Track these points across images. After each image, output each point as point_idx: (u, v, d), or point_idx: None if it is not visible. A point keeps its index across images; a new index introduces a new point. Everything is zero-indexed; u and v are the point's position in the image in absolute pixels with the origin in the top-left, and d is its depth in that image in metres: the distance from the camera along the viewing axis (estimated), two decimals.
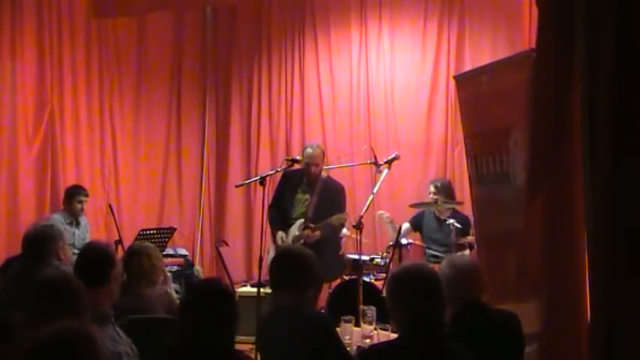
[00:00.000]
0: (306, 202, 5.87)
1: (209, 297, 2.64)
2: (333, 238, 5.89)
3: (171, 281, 4.82)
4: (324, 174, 6.04)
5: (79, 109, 7.44)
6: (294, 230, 5.83)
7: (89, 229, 6.63)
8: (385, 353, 2.76)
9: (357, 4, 7.76)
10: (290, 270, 3.28)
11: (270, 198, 5.99)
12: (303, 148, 6.11)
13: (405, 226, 6.52)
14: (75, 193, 6.46)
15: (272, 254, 5.81)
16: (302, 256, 3.34)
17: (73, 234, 6.25)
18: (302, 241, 5.72)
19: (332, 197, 5.86)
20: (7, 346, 2.63)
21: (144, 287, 3.99)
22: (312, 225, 5.74)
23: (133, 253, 4.08)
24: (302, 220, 5.83)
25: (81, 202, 6.44)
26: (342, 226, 5.85)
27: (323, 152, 5.99)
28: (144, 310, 3.80)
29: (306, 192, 5.90)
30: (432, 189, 6.48)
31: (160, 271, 4.14)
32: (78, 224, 6.43)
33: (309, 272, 3.32)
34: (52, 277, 2.84)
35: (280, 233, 5.84)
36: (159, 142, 8.18)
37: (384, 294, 5.43)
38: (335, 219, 5.66)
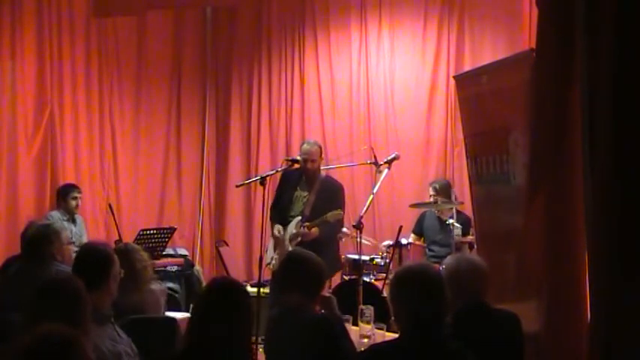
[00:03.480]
0: (305, 200, 5.85)
1: (220, 295, 2.62)
2: (330, 237, 5.86)
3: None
4: (323, 173, 6.02)
5: (79, 109, 7.44)
6: (292, 228, 5.80)
7: (86, 227, 6.67)
8: (386, 353, 2.76)
9: (357, 4, 7.75)
10: (302, 273, 3.31)
11: (272, 198, 5.99)
12: (301, 145, 6.10)
13: (411, 238, 6.47)
14: (68, 190, 6.51)
15: (270, 249, 5.83)
16: (313, 261, 3.37)
17: (71, 231, 6.24)
18: (299, 239, 5.70)
19: (330, 196, 5.81)
20: (7, 346, 2.63)
21: (140, 286, 3.98)
22: (307, 223, 5.72)
23: (121, 254, 4.04)
24: (299, 217, 5.81)
25: (75, 198, 6.48)
26: (338, 222, 5.77)
27: (320, 148, 5.93)
28: (140, 310, 3.79)
29: (304, 189, 5.88)
30: (432, 191, 6.45)
31: (149, 270, 4.13)
32: (74, 221, 6.47)
33: (320, 278, 3.37)
34: (54, 279, 2.83)
35: (277, 226, 5.83)
36: (159, 142, 8.16)
37: (384, 294, 5.47)
38: (330, 215, 5.61)
